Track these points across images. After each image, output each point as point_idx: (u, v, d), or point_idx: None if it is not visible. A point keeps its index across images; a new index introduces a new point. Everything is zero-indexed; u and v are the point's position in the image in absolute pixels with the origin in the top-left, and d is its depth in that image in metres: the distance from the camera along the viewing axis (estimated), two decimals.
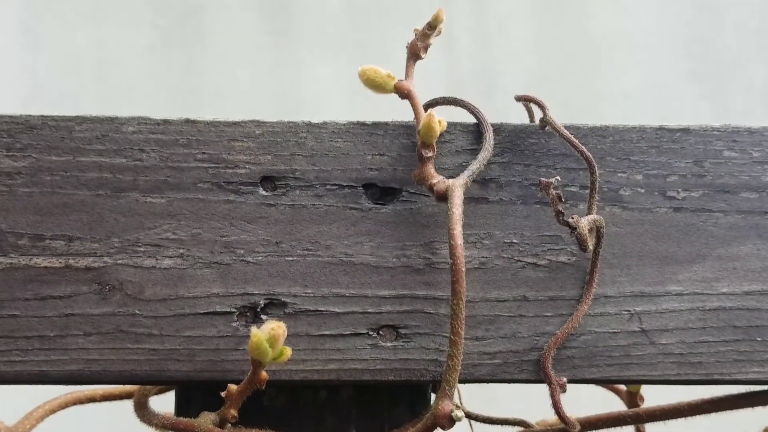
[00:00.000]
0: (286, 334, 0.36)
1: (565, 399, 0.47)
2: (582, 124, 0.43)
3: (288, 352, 0.37)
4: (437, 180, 0.40)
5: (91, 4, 1.77)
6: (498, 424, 0.49)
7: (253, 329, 0.36)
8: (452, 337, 0.36)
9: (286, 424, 0.43)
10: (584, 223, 0.40)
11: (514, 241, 0.42)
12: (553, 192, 0.39)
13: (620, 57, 1.89)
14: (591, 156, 0.41)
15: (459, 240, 0.37)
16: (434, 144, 0.41)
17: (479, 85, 1.88)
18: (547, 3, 1.88)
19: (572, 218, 0.40)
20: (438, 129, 0.40)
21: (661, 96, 1.86)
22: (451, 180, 0.40)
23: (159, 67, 1.78)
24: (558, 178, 0.39)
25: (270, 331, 0.36)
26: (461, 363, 0.40)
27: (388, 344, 0.41)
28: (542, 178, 0.39)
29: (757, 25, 1.88)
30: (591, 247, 0.40)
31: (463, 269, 0.37)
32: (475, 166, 0.40)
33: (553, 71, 1.85)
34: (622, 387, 0.53)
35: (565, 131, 0.41)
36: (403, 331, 0.41)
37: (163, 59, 1.80)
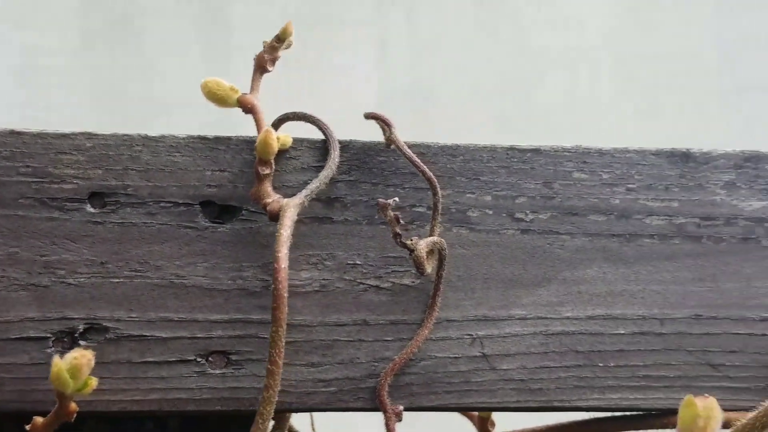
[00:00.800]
0: (92, 363, 0.34)
1: (423, 422, 0.45)
2: (433, 143, 0.42)
3: (93, 383, 0.35)
4: (272, 199, 0.38)
5: (16, 9, 1.73)
6: None
7: (55, 359, 0.34)
8: (269, 366, 0.34)
9: None
10: (422, 245, 0.38)
11: (358, 262, 0.41)
12: (391, 213, 0.37)
13: (557, 72, 1.90)
14: (433, 176, 0.39)
15: (283, 263, 0.35)
16: (272, 161, 0.39)
17: (414, 99, 1.87)
18: (483, 17, 1.88)
19: (410, 240, 0.38)
20: (275, 145, 0.38)
21: (598, 112, 1.87)
22: (285, 200, 0.38)
23: (85, 73, 1.75)
24: (396, 199, 0.38)
25: (72, 361, 0.34)
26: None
27: (217, 371, 0.39)
28: (380, 199, 0.38)
29: (695, 44, 1.90)
30: (429, 270, 0.39)
31: (285, 294, 0.35)
32: (314, 185, 0.39)
33: (490, 85, 1.85)
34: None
35: (408, 150, 0.40)
36: (234, 357, 0.39)
37: (90, 65, 1.76)
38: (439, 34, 1.89)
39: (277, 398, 0.36)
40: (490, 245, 0.41)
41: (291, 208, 0.37)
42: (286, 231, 0.36)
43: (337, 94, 1.87)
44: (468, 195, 0.41)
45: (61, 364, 0.33)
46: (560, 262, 0.41)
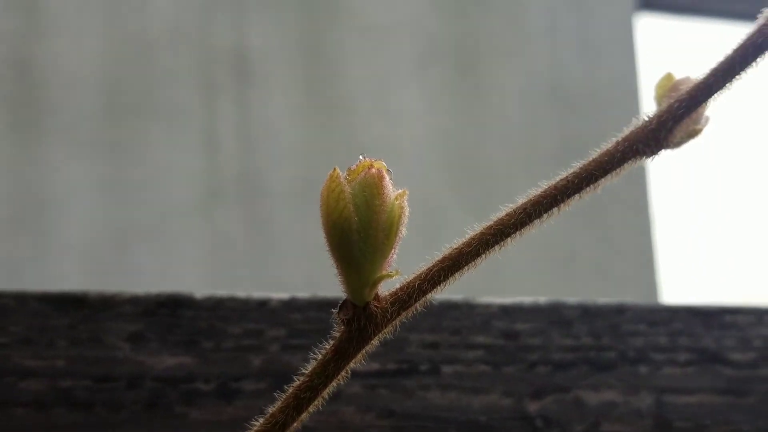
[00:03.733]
0: None
1: None
2: None
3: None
4: None
5: None
6: None
7: None
8: None
9: None
10: None
11: None
12: None
13: (388, 165, 1.85)
14: None
15: None
16: None
17: (244, 188, 1.81)
18: (315, 109, 1.84)
19: None
20: None
21: (428, 204, 1.83)
22: None
23: None
24: None
25: None
26: None
27: None
28: None
29: (520, 139, 1.88)
30: None
31: None
32: None
33: (320, 177, 1.80)
34: None
35: None
36: None
37: None
38: (270, 122, 1.84)
39: None
40: None
41: None
42: None
43: (161, 183, 1.80)
44: None
45: None
46: None
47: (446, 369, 0.35)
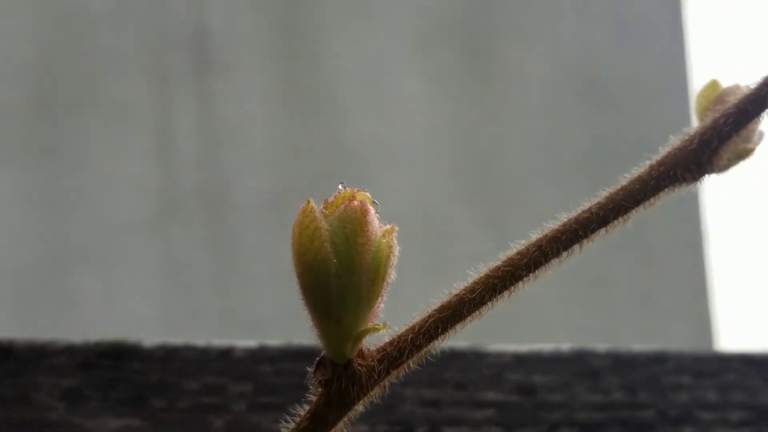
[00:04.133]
0: None
1: None
2: None
3: None
4: None
5: None
6: None
7: None
8: None
9: None
10: None
11: None
12: None
13: (381, 171, 1.86)
14: None
15: None
16: None
17: (205, 201, 1.81)
18: (292, 103, 1.85)
19: None
20: None
21: (431, 219, 1.83)
22: None
23: None
24: None
25: None
26: None
27: None
28: None
29: (543, 139, 1.89)
30: None
31: None
32: None
33: (298, 186, 1.81)
34: None
35: None
36: None
37: None
38: (237, 124, 1.84)
39: None
40: None
41: None
42: None
43: (104, 195, 1.80)
44: None
45: None
46: None
47: None
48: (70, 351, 0.35)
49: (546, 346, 0.37)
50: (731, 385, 0.37)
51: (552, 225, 0.23)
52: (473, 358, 0.37)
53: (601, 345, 0.37)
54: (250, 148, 1.83)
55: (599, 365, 0.37)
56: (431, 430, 0.36)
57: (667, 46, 1.92)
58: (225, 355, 0.36)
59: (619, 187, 0.23)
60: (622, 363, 0.37)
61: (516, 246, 0.23)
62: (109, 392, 0.35)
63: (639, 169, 0.23)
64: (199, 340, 0.36)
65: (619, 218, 0.23)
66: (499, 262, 0.23)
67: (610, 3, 1.96)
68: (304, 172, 1.84)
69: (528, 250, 0.23)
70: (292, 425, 0.24)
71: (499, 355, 0.37)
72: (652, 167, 0.23)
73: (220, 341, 0.36)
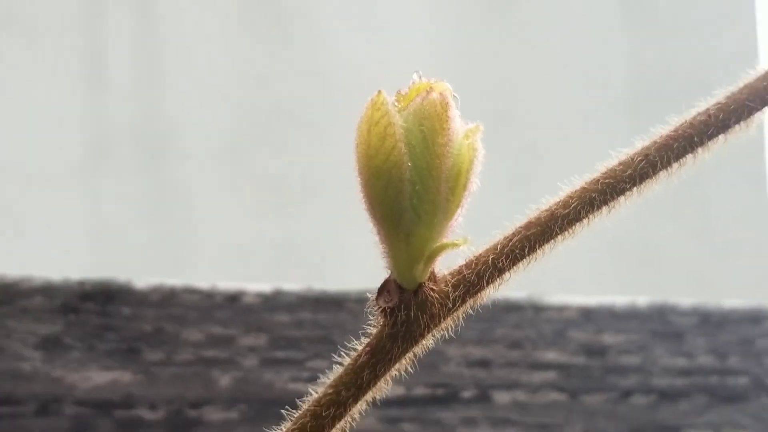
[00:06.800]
0: None
1: None
2: None
3: None
4: None
5: None
6: None
7: None
8: None
9: None
10: None
11: None
12: None
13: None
14: None
15: None
16: None
17: (142, 143, 1.84)
18: (256, 19, 1.88)
19: None
20: None
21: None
22: None
23: None
24: None
25: None
26: None
27: None
28: None
29: (578, 75, 1.92)
30: None
31: None
32: None
33: (259, 122, 1.84)
34: None
35: None
36: None
37: None
38: (183, 42, 1.86)
39: None
40: None
41: None
42: None
43: (14, 138, 1.83)
44: None
45: None
46: None
47: (500, 397, 0.39)
48: (48, 291, 0.36)
49: (620, 299, 0.39)
50: None
51: (662, 130, 0.25)
52: (532, 312, 0.39)
53: (685, 299, 0.40)
54: (199, 75, 1.84)
55: (683, 324, 0.39)
56: (479, 394, 0.38)
57: None
58: (233, 300, 0.37)
59: (742, 85, 0.25)
60: (710, 321, 0.40)
61: (618, 155, 0.25)
62: (95, 341, 0.37)
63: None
64: (203, 282, 0.38)
65: (742, 122, 0.25)
66: (598, 174, 0.25)
67: None
68: (267, 108, 1.86)
69: (633, 159, 0.25)
70: (348, 361, 0.27)
71: (562, 309, 0.39)
72: None
73: (227, 284, 0.38)
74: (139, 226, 1.89)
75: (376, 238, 0.26)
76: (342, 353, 0.26)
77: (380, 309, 0.25)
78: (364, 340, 0.26)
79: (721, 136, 0.23)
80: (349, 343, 0.37)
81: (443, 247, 0.24)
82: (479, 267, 0.24)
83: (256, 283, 0.35)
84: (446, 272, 0.25)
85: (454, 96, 0.25)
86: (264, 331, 0.36)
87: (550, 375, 0.37)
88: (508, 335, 0.37)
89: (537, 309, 0.37)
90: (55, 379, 0.34)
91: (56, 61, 1.84)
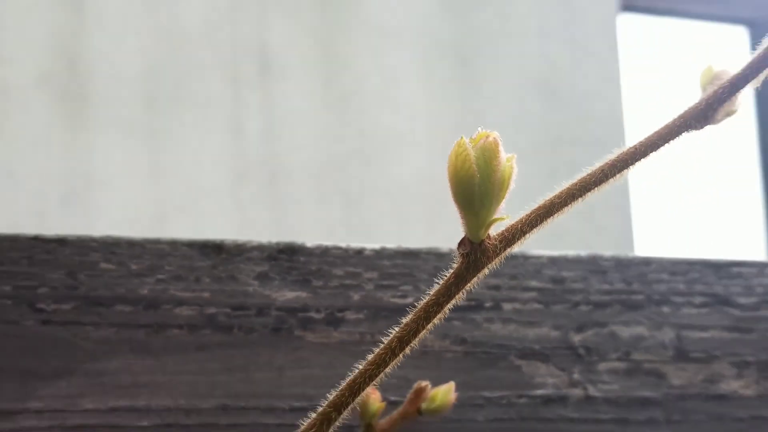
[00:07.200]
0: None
1: None
2: None
3: None
4: None
5: None
6: None
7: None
8: None
9: None
10: None
11: None
12: None
13: (393, 149, 1.90)
14: None
15: None
16: None
17: (268, 169, 1.84)
18: (329, 99, 1.88)
19: None
20: None
21: (430, 184, 1.86)
22: None
23: None
24: None
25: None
26: None
27: None
28: None
29: (512, 125, 1.92)
30: None
31: None
32: None
33: (333, 159, 1.84)
34: None
35: None
36: None
37: None
38: (290, 113, 1.87)
39: None
40: (9, 336, 0.37)
41: None
42: None
43: (194, 167, 1.83)
44: None
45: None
46: (83, 354, 0.37)
47: (506, 306, 0.40)
48: (260, 248, 0.39)
49: (570, 252, 0.41)
50: (695, 280, 0.42)
51: (611, 156, 0.27)
52: (522, 259, 0.41)
53: (608, 252, 0.42)
54: (299, 132, 1.87)
55: (606, 265, 0.41)
56: (495, 305, 0.40)
57: (604, 58, 1.95)
58: (359, 253, 0.40)
59: (654, 131, 0.27)
60: (622, 264, 0.41)
61: (586, 170, 0.27)
62: (286, 275, 0.39)
63: (667, 119, 0.27)
64: (342, 243, 0.40)
65: (655, 152, 0.27)
66: (576, 180, 0.27)
67: (562, 27, 1.98)
68: (338, 150, 1.88)
69: (595, 173, 0.27)
70: (442, 282, 0.28)
71: (539, 258, 0.41)
72: (675, 119, 0.27)
73: (355, 244, 0.40)
74: (266, 223, 1.89)
75: (459, 215, 0.27)
76: (420, 284, 0.27)
77: (460, 254, 0.27)
78: (444, 273, 0.27)
79: (642, 160, 0.25)
80: (424, 276, 0.38)
81: (494, 221, 0.26)
82: (513, 231, 0.26)
83: (370, 243, 0.37)
84: (496, 233, 0.27)
85: (500, 139, 0.26)
86: (376, 269, 0.37)
87: (533, 294, 0.38)
88: (509, 272, 0.38)
89: (525, 257, 0.38)
90: (265, 295, 0.36)
91: (215, 123, 1.84)
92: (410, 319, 0.28)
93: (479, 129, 0.29)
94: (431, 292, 0.28)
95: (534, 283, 0.41)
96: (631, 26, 2.03)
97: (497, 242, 0.27)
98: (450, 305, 0.29)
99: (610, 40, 1.95)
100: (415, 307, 0.28)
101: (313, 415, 0.28)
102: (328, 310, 0.39)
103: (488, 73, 2.04)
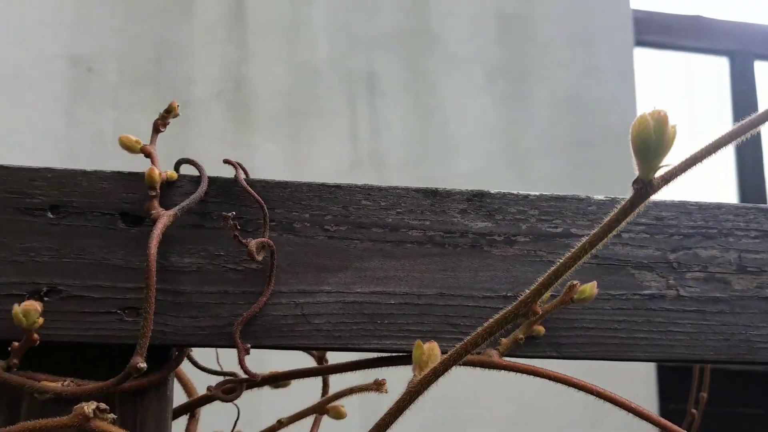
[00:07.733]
0: (39, 309, 0.36)
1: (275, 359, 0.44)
2: (271, 180, 0.43)
3: (40, 321, 0.36)
4: (155, 211, 0.40)
5: None
6: (212, 373, 0.47)
7: (14, 306, 0.36)
8: (145, 314, 0.36)
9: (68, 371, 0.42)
10: (253, 243, 0.40)
11: (221, 253, 0.42)
12: (230, 222, 0.39)
13: (463, 149, 1.92)
14: (261, 200, 0.41)
15: (153, 250, 0.37)
16: (157, 186, 0.40)
17: (374, 161, 1.89)
18: (417, 112, 1.91)
19: (245, 240, 0.40)
20: (158, 178, 0.40)
21: (482, 178, 1.88)
22: (164, 211, 0.40)
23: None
24: (233, 213, 0.40)
25: (24, 307, 0.36)
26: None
27: (130, 319, 0.41)
28: (223, 213, 0.40)
29: (547, 132, 1.93)
30: (260, 259, 0.40)
31: (154, 270, 0.36)
32: (185, 203, 0.41)
33: (422, 157, 1.87)
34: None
35: (245, 184, 0.41)
36: (141, 311, 0.41)
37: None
38: (391, 120, 1.91)
39: (152, 333, 0.36)
40: (308, 245, 0.43)
41: (164, 217, 0.39)
42: (157, 230, 0.38)
43: (322, 158, 1.88)
44: (294, 213, 0.43)
45: (17, 308, 0.35)
46: (353, 257, 0.43)
47: (624, 235, 0.44)
48: (461, 193, 0.43)
49: (667, 198, 0.44)
50: (751, 219, 0.45)
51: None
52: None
53: (692, 199, 0.44)
54: (395, 135, 1.90)
55: (692, 208, 0.44)
56: (617, 234, 0.44)
57: (620, 83, 1.94)
58: (525, 197, 0.44)
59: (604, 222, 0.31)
60: (702, 208, 0.44)
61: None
62: (478, 210, 0.43)
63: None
64: (514, 190, 0.43)
65: (602, 241, 0.31)
66: None
67: (587, 58, 1.97)
68: (424, 150, 1.91)
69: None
70: (619, 207, 0.32)
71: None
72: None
73: (517, 190, 0.44)
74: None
75: (634, 163, 0.30)
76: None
77: (634, 188, 0.30)
78: (627, 198, 0.30)
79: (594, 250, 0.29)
80: (569, 213, 0.40)
81: (660, 167, 0.29)
82: (670, 174, 0.29)
83: (529, 190, 0.40)
84: (658, 176, 0.30)
85: (668, 116, 0.29)
86: (537, 209, 0.40)
87: (642, 227, 0.41)
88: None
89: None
90: (464, 223, 0.41)
91: (338, 130, 1.84)
92: (599, 229, 0.32)
93: (653, 107, 0.32)
94: (612, 214, 0.32)
95: (643, 220, 0.44)
96: (642, 57, 2.02)
97: (660, 181, 0.31)
98: (622, 225, 0.33)
99: (627, 69, 1.94)
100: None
101: (520, 297, 0.32)
102: (506, 234, 0.43)
103: (530, 91, 2.04)
